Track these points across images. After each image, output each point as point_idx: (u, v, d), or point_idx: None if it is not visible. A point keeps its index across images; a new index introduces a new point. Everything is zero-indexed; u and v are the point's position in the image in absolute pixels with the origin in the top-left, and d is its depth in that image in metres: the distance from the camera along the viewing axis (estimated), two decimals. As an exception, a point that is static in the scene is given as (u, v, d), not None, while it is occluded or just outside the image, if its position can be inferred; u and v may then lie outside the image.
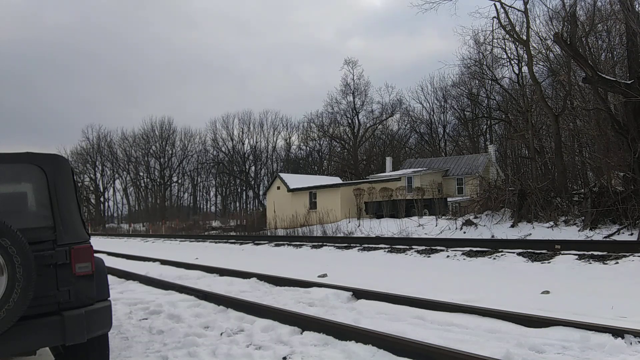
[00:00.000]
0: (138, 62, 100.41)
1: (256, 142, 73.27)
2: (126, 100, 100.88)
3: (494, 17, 24.45)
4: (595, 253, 10.20)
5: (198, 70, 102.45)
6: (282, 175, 42.56)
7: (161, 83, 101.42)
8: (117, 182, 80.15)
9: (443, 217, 22.50)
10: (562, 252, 10.73)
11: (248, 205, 74.39)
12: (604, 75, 15.07)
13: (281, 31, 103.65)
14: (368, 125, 63.46)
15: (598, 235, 13.55)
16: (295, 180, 40.79)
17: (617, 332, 4.48)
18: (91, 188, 77.97)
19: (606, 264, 9.49)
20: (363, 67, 65.98)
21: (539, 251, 11.18)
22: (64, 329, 3.43)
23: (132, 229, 59.48)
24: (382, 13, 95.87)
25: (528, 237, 14.64)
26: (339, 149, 66.95)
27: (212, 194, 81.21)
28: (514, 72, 36.43)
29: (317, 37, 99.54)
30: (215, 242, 24.87)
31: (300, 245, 18.27)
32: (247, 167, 73.96)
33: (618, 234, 13.29)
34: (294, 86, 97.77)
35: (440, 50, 75.37)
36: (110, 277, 7.47)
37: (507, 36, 27.09)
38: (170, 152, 76.89)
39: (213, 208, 78.12)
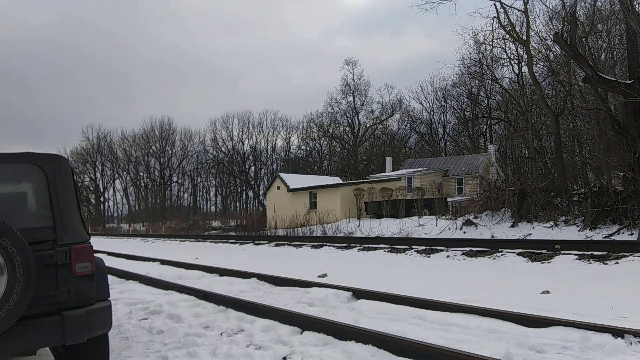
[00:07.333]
0: (132, 61, 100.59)
1: (256, 142, 73.37)
2: (124, 100, 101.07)
3: (494, 17, 24.44)
4: (595, 253, 10.20)
5: (191, 70, 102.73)
6: (282, 175, 42.55)
7: (156, 82, 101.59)
8: (117, 182, 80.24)
9: (443, 217, 22.49)
10: (562, 252, 10.72)
11: (248, 205, 74.42)
12: (604, 75, 15.06)
13: (266, 31, 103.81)
14: (368, 125, 63.51)
15: (598, 235, 13.54)
16: (295, 180, 40.78)
17: (617, 332, 4.48)
18: (91, 188, 77.96)
19: (606, 264, 9.48)
20: (353, 66, 66.33)
21: (539, 251, 11.17)
22: (64, 329, 3.42)
23: (132, 229, 59.47)
24: (368, 12, 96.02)
25: (528, 237, 14.64)
26: (339, 149, 66.97)
27: (212, 194, 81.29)
28: (514, 72, 36.48)
29: (303, 37, 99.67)
30: (215, 242, 24.87)
31: (300, 245, 18.26)
32: (247, 167, 73.99)
33: (618, 234, 13.29)
34: (282, 86, 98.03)
35: (433, 50, 75.60)
36: (110, 277, 7.49)
37: (507, 36, 27.10)
38: (170, 152, 76.98)
39: (213, 208, 78.19)
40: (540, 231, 15.26)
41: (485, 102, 48.90)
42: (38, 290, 3.33)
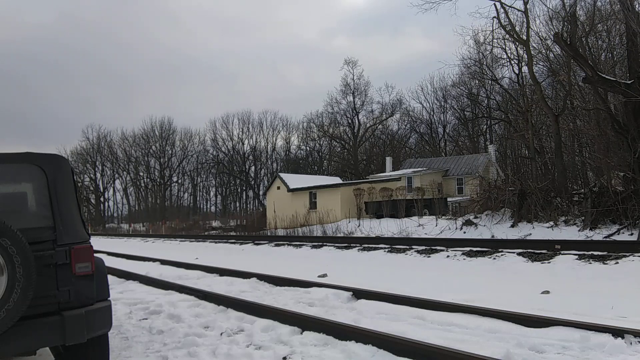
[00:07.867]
0: (132, 61, 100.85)
1: (256, 142, 73.40)
2: (124, 100, 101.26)
3: (494, 17, 24.45)
4: (595, 253, 10.19)
5: (191, 70, 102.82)
6: (282, 175, 42.55)
7: (156, 82, 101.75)
8: (117, 182, 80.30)
9: (443, 217, 22.49)
10: (562, 252, 10.72)
11: (248, 205, 74.43)
12: (604, 75, 15.06)
13: (265, 30, 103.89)
14: (368, 125, 63.56)
15: (598, 235, 13.54)
16: (295, 180, 40.78)
17: (617, 332, 4.48)
18: (91, 188, 77.98)
19: (606, 264, 9.48)
20: (353, 66, 66.41)
21: (539, 251, 11.17)
22: (64, 329, 3.42)
23: (132, 229, 59.48)
24: (367, 12, 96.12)
25: (528, 237, 14.64)
26: (339, 149, 67.00)
27: (212, 194, 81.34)
28: (514, 72, 36.54)
29: (302, 37, 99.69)
30: (215, 242, 24.87)
31: (300, 245, 18.26)
32: (247, 167, 74.01)
33: (618, 234, 13.29)
34: (282, 86, 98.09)
35: (433, 51, 75.67)
36: (110, 277, 7.47)
37: (507, 36, 27.11)
38: (170, 152, 77.03)
39: (213, 208, 78.21)
40: (540, 231, 15.26)
41: (485, 102, 48.95)
42: (38, 290, 3.33)
